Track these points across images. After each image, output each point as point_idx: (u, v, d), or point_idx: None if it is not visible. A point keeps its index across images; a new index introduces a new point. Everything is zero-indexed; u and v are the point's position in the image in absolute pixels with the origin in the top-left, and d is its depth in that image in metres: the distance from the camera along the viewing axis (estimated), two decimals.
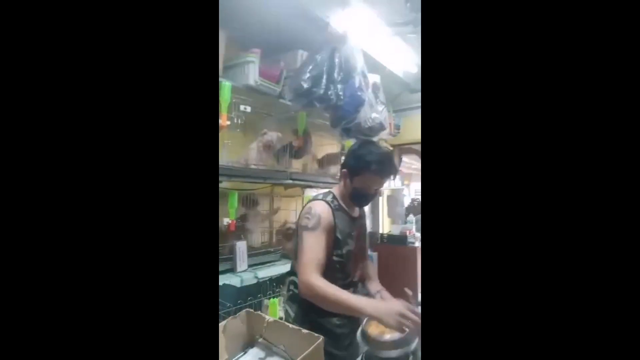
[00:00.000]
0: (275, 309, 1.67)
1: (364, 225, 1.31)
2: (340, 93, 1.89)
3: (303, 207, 1.21)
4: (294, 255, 1.19)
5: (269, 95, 1.91)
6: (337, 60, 1.88)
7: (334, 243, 1.11)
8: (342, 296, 0.98)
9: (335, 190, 1.23)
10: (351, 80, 1.91)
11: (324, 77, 1.84)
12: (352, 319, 1.14)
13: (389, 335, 0.92)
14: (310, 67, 1.83)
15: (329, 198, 1.17)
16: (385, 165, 1.13)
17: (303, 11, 1.78)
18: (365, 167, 1.12)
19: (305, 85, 1.78)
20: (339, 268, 1.14)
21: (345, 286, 1.12)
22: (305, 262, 1.04)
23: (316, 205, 1.13)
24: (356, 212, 1.25)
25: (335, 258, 1.12)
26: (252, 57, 1.78)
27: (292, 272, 1.21)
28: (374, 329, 0.96)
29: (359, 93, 1.90)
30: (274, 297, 1.70)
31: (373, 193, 1.19)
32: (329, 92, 1.86)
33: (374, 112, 2.09)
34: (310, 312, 1.10)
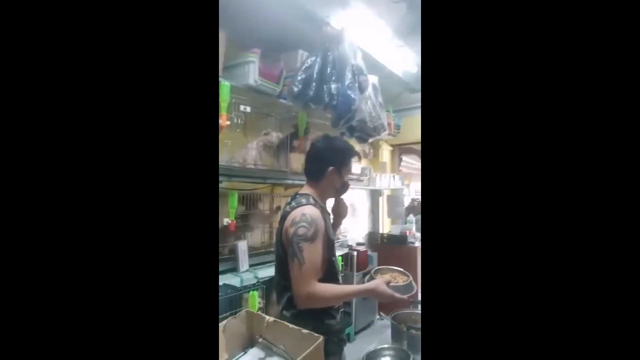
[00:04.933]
0: (255, 300, 1.70)
1: None
2: (334, 92, 1.89)
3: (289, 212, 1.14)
4: (279, 262, 1.15)
5: (269, 95, 1.91)
6: (330, 59, 1.88)
7: (329, 246, 1.12)
8: (338, 291, 1.09)
9: (309, 190, 1.21)
10: (344, 79, 1.91)
11: (316, 78, 1.84)
12: (345, 316, 1.25)
13: (393, 283, 1.17)
14: (303, 69, 1.83)
15: (312, 200, 1.15)
16: (353, 148, 1.26)
17: (303, 11, 1.78)
18: (348, 155, 1.22)
19: (296, 89, 1.79)
20: (332, 267, 1.16)
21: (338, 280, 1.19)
22: (306, 273, 1.03)
23: (309, 210, 1.10)
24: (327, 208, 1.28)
25: (332, 259, 1.16)
26: (252, 57, 1.78)
27: (284, 280, 1.13)
28: (385, 278, 1.18)
29: (349, 92, 1.90)
30: (253, 290, 1.72)
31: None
32: (321, 93, 1.86)
33: (376, 112, 2.09)
34: (308, 318, 1.08)
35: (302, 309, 1.08)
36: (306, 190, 1.21)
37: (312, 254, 1.04)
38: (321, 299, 1.04)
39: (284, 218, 1.13)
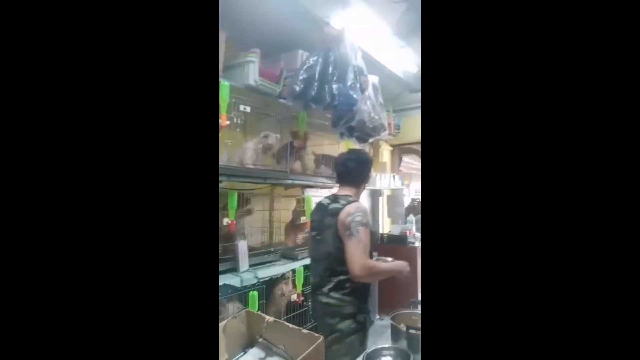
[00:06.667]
0: (255, 301, 1.71)
1: None
2: (335, 93, 1.89)
3: (343, 207, 1.42)
4: (334, 249, 1.40)
5: (268, 95, 1.91)
6: (332, 59, 1.88)
7: (372, 234, 1.44)
8: (384, 267, 1.49)
9: (349, 192, 1.51)
10: (345, 79, 1.91)
11: (317, 78, 1.83)
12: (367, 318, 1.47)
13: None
14: (305, 69, 1.83)
15: (354, 200, 1.48)
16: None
17: (303, 11, 1.78)
18: (369, 170, 1.57)
19: (298, 88, 1.79)
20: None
21: None
22: (363, 249, 1.34)
23: (361, 205, 1.44)
24: None
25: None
26: (252, 57, 1.78)
27: (338, 265, 1.39)
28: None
29: (351, 92, 1.90)
30: (252, 290, 1.72)
31: None
32: (323, 93, 1.86)
33: (376, 112, 2.09)
34: (352, 301, 1.39)
35: (349, 292, 1.38)
36: (346, 192, 1.50)
37: (366, 236, 1.35)
38: (373, 273, 1.38)
39: (335, 213, 1.39)
